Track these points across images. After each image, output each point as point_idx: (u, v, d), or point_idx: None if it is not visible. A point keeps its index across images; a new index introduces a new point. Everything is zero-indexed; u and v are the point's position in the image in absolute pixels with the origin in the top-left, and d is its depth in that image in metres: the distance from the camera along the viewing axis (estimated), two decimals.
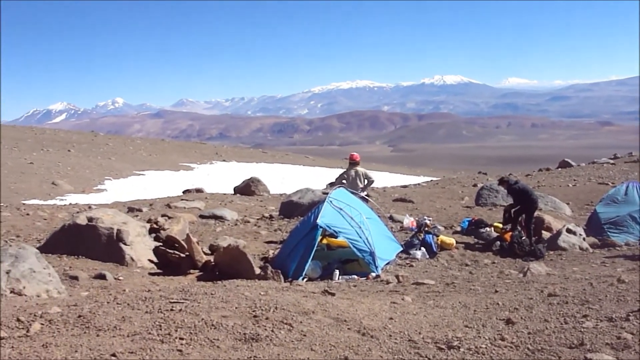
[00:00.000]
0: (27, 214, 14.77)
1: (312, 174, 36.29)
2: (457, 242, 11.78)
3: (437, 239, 11.38)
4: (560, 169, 30.83)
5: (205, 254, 9.64)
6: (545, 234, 12.54)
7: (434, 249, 11.03)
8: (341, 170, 15.52)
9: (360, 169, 12.96)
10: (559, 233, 11.98)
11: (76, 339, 4.69)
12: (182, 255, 9.09)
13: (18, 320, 5.00)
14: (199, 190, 21.67)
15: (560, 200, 16.77)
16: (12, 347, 4.39)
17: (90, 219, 9.59)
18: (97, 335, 4.83)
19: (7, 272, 6.53)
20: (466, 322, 5.80)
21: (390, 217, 14.26)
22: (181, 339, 4.77)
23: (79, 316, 5.29)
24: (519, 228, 11.93)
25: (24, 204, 19.04)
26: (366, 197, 12.25)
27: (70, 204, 19.87)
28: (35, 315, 5.20)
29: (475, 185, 23.02)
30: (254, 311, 5.66)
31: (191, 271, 9.00)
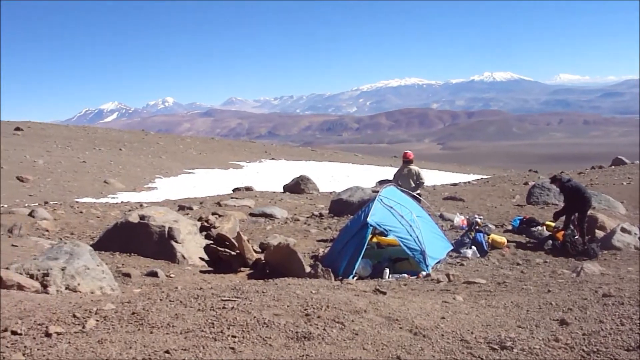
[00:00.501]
0: (81, 212, 15.05)
1: (361, 172, 36.15)
2: (508, 241, 11.59)
3: (488, 238, 11.22)
4: (613, 166, 30.09)
5: (256, 252, 9.69)
6: (599, 233, 12.24)
7: (485, 248, 10.89)
8: (391, 169, 15.45)
9: (413, 167, 12.86)
10: (613, 232, 11.71)
11: (130, 335, 4.75)
12: (233, 253, 9.16)
13: (74, 316, 5.08)
14: (248, 189, 21.80)
15: (614, 199, 16.37)
16: (69, 342, 4.46)
17: (142, 217, 9.73)
18: (151, 332, 4.89)
19: (62, 269, 6.66)
20: (519, 322, 5.70)
21: (441, 216, 14.13)
22: (233, 336, 4.79)
23: (133, 313, 5.36)
24: (572, 227, 11.69)
25: (77, 202, 19.41)
26: (417, 196, 12.14)
27: (122, 202, 20.20)
28: (90, 311, 5.28)
29: (526, 184, 22.64)
30: (305, 309, 5.65)
31: (242, 269, 9.06)
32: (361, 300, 6.18)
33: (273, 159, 42.43)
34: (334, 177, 30.60)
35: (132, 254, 9.33)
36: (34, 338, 4.55)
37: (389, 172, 15.79)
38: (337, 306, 5.76)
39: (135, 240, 9.50)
